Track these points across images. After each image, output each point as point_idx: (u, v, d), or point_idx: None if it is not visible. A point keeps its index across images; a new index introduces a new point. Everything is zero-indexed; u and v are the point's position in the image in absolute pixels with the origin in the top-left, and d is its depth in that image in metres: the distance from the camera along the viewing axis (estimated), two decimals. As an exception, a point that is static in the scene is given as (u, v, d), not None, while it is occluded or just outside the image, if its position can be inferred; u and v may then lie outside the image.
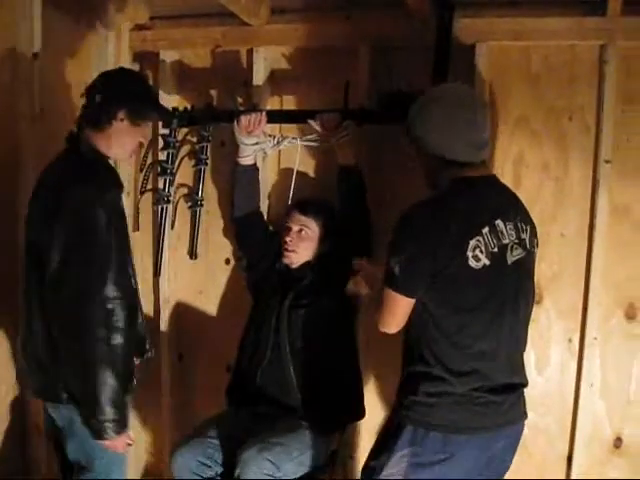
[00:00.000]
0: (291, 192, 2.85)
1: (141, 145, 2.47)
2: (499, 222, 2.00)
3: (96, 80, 2.38)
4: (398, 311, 2.03)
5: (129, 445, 2.29)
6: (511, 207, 2.10)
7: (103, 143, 2.31)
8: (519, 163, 2.72)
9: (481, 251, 1.94)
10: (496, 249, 1.97)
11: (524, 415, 2.15)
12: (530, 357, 2.74)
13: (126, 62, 3.11)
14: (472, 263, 1.93)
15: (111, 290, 2.16)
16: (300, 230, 2.75)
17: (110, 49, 3.11)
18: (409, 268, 1.97)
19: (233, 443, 2.50)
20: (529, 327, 2.59)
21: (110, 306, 2.16)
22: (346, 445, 2.89)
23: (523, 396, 2.15)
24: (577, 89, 2.64)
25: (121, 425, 2.18)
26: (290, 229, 2.76)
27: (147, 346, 2.56)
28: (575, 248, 2.69)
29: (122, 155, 2.44)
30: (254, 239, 2.91)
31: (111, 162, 2.41)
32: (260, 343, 2.71)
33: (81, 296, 2.12)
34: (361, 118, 2.71)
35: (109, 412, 2.14)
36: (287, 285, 2.75)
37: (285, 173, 2.99)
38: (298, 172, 2.88)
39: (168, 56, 3.10)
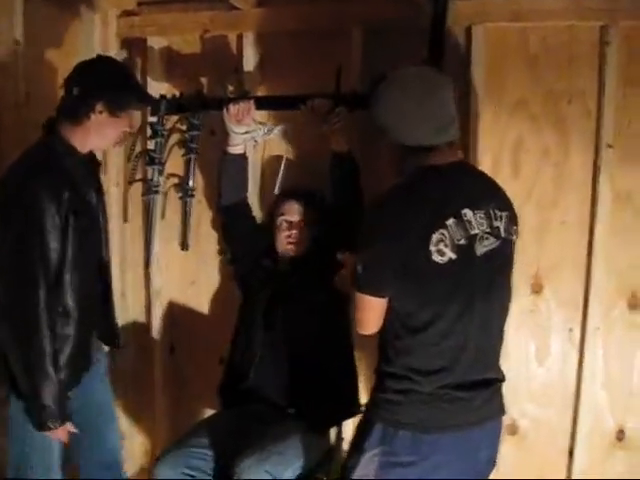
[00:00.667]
0: (279, 181, 2.79)
1: (129, 134, 2.44)
2: (467, 211, 1.89)
3: (73, 71, 2.31)
4: (370, 312, 1.95)
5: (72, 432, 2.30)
6: (483, 194, 1.98)
7: (79, 137, 2.28)
8: (518, 148, 2.65)
9: (446, 245, 1.84)
10: (463, 241, 1.87)
11: (501, 412, 2.05)
12: (530, 348, 2.70)
13: (113, 49, 3.04)
14: (437, 258, 1.83)
15: (67, 280, 2.21)
16: (300, 220, 2.69)
17: (97, 35, 3.02)
18: (372, 267, 1.89)
19: (225, 449, 2.44)
20: (528, 317, 2.55)
21: (59, 298, 2.21)
22: (343, 442, 2.83)
23: (500, 392, 2.05)
24: (577, 71, 2.57)
25: (61, 417, 2.21)
26: (289, 220, 2.70)
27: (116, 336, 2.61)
28: (576, 235, 2.62)
29: (103, 146, 2.43)
30: (240, 231, 2.84)
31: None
32: (251, 341, 2.65)
33: (24, 284, 2.14)
34: (354, 103, 2.62)
35: (51, 408, 2.18)
36: (275, 280, 2.69)
37: (274, 161, 2.92)
38: (287, 160, 2.82)
39: (156, 42, 3.03)
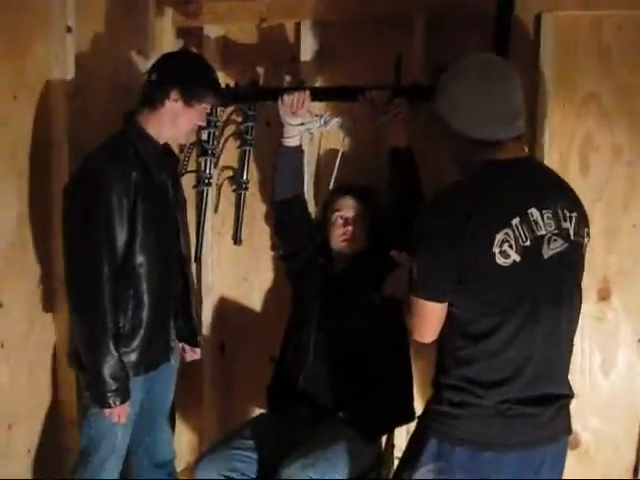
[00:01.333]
0: (333, 175, 2.69)
1: (199, 127, 2.51)
2: (533, 211, 1.76)
3: (156, 60, 2.42)
4: (427, 318, 1.82)
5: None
6: (550, 193, 1.84)
7: (154, 125, 2.33)
8: (587, 146, 2.50)
9: (510, 246, 1.72)
10: (529, 242, 1.74)
11: (567, 431, 1.91)
12: (595, 358, 2.57)
13: (169, 38, 3.00)
14: (500, 260, 1.71)
15: (137, 263, 2.28)
16: (355, 216, 2.60)
17: (152, 25, 2.97)
18: (430, 269, 1.78)
19: (270, 453, 2.38)
20: (594, 325, 2.39)
21: (129, 280, 2.28)
22: (393, 447, 2.71)
23: (567, 409, 1.91)
24: (653, 64, 2.40)
25: (121, 396, 2.25)
26: (346, 218, 2.60)
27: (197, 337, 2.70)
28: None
29: (176, 137, 2.46)
30: (293, 226, 2.75)
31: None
32: (303, 341, 2.57)
33: (88, 258, 2.21)
34: (414, 95, 2.51)
35: (110, 383, 2.22)
36: (329, 279, 2.60)
37: (330, 155, 2.83)
38: (343, 154, 2.72)
39: (212, 31, 2.96)
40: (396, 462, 2.71)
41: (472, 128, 1.81)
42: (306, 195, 2.79)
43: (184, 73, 2.33)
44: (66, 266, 2.29)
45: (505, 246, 1.72)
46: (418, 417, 2.01)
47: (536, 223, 1.76)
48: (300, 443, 2.36)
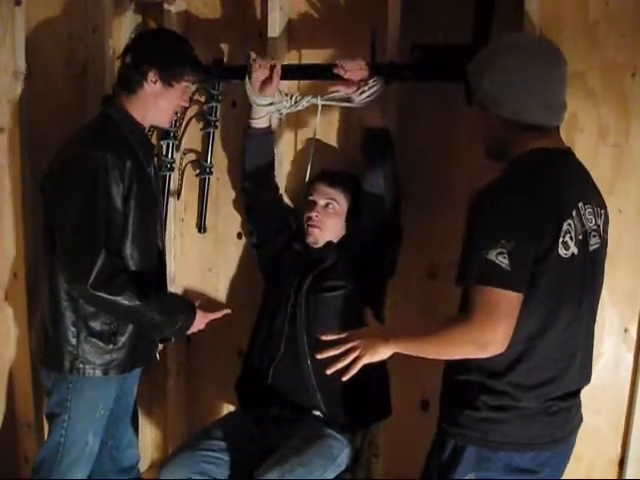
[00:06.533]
0: (310, 161, 2.56)
1: (182, 108, 2.46)
2: (581, 204, 1.70)
3: (129, 41, 2.40)
4: (511, 316, 1.60)
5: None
6: (590, 187, 1.80)
7: (137, 109, 2.29)
8: (571, 127, 2.36)
9: (571, 237, 1.64)
10: (581, 236, 1.67)
11: (582, 418, 1.91)
12: (580, 348, 2.47)
13: (126, 13, 2.84)
14: (562, 251, 1.63)
15: (127, 254, 2.25)
16: (327, 204, 2.48)
17: (108, -2, 2.81)
18: (518, 256, 1.58)
19: (243, 455, 2.32)
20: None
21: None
22: (370, 444, 2.66)
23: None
24: (643, 41, 2.31)
25: (187, 310, 2.34)
26: (316, 203, 2.49)
27: None
28: (634, 226, 2.37)
29: (161, 120, 2.37)
30: (266, 212, 2.64)
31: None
32: (273, 335, 2.46)
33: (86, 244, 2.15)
34: (391, 74, 2.38)
35: (169, 321, 2.29)
36: (305, 268, 2.47)
37: (304, 139, 2.72)
38: (318, 139, 2.60)
39: (174, 6, 2.80)
40: (373, 459, 2.68)
41: (524, 110, 1.72)
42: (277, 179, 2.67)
43: (159, 52, 2.27)
44: (75, 268, 2.18)
45: (567, 237, 1.64)
46: (440, 426, 1.87)
47: (584, 217, 1.69)
48: (274, 445, 2.29)
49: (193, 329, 2.38)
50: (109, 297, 2.13)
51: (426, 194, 2.53)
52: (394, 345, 1.79)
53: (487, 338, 1.60)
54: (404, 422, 2.62)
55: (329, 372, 1.83)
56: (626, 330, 2.43)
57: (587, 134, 2.39)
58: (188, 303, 2.39)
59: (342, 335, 1.86)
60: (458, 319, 1.68)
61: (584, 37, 2.35)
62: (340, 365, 1.81)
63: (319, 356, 1.88)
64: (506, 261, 1.57)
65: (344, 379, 1.81)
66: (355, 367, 1.80)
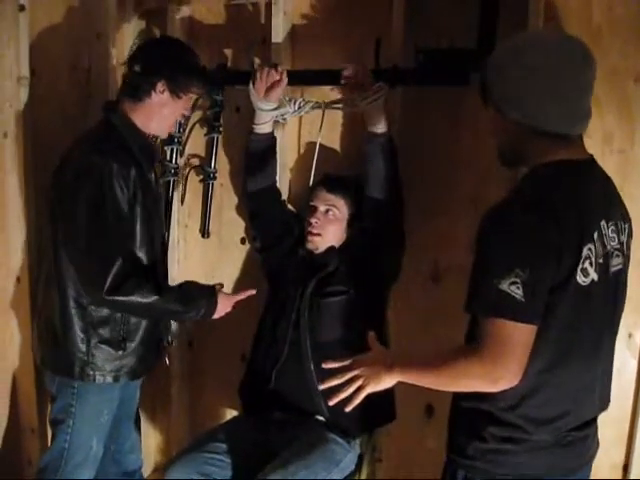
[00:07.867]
0: (313, 167, 2.54)
1: (184, 117, 2.48)
2: (604, 223, 1.57)
3: (137, 48, 2.36)
4: (523, 350, 1.50)
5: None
6: (614, 202, 1.66)
7: (141, 117, 2.28)
8: (575, 133, 2.38)
9: (590, 263, 1.51)
10: (601, 259, 1.55)
11: (598, 443, 1.80)
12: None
13: (130, 19, 2.84)
14: (580, 279, 1.51)
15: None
16: (327, 210, 2.48)
17: (112, 5, 2.79)
18: (533, 286, 1.46)
19: (245, 458, 2.30)
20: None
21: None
22: (374, 449, 2.64)
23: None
24: (646, 47, 2.30)
25: (208, 295, 2.33)
26: (316, 209, 2.48)
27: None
28: (638, 233, 2.33)
29: (162, 130, 2.37)
30: (269, 217, 2.63)
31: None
32: (277, 339, 2.45)
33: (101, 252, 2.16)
34: (395, 78, 2.38)
35: (191, 308, 2.29)
36: (309, 273, 2.46)
37: (307, 144, 2.71)
38: (321, 144, 2.58)
39: (178, 12, 2.80)
40: (377, 463, 2.67)
41: (548, 118, 1.56)
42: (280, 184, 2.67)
43: (169, 63, 2.27)
44: (91, 277, 2.20)
45: (586, 263, 1.52)
46: (448, 456, 1.78)
47: (606, 237, 1.58)
48: (277, 449, 2.27)
49: (220, 312, 2.37)
50: (124, 298, 2.14)
51: (430, 198, 2.52)
52: (399, 374, 1.70)
53: (498, 374, 1.51)
54: (408, 427, 2.62)
55: (331, 403, 1.77)
56: (630, 335, 2.39)
57: (592, 140, 2.34)
58: (207, 288, 2.37)
59: (345, 363, 1.78)
60: (467, 351, 1.58)
61: (587, 43, 2.28)
62: (343, 395, 1.73)
63: (322, 387, 1.82)
64: (520, 292, 1.46)
65: (347, 410, 1.73)
66: (358, 397, 1.72)
